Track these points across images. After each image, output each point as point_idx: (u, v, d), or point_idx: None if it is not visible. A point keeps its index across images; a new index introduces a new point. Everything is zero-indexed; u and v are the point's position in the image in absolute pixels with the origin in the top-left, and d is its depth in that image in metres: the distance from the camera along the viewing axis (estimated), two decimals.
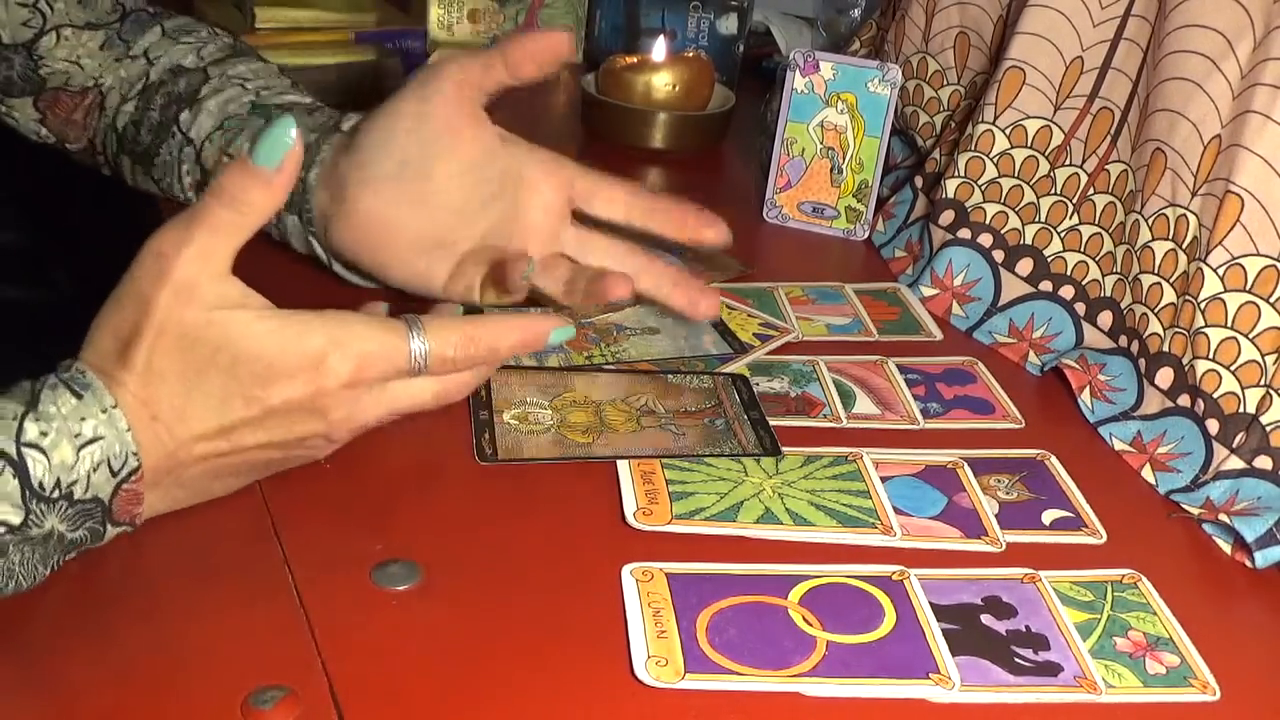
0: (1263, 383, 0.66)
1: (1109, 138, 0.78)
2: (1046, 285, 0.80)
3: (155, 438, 0.52)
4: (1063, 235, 0.80)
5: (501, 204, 0.70)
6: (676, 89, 1.11)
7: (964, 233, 0.85)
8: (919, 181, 0.94)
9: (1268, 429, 0.65)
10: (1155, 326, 0.71)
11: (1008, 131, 0.82)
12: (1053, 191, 0.81)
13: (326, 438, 0.57)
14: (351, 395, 0.55)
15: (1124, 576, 0.59)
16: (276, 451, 0.56)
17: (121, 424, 0.50)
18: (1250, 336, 0.66)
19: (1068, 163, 0.80)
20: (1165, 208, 0.72)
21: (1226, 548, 0.63)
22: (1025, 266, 0.82)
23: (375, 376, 0.55)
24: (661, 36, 1.18)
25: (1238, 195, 0.66)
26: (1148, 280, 0.72)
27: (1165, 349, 0.70)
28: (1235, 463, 0.65)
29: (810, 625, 0.54)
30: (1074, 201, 0.80)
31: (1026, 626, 0.55)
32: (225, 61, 0.80)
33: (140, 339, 0.51)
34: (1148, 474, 0.69)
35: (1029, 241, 0.82)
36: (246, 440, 0.54)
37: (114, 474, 0.50)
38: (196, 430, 0.52)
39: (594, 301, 0.68)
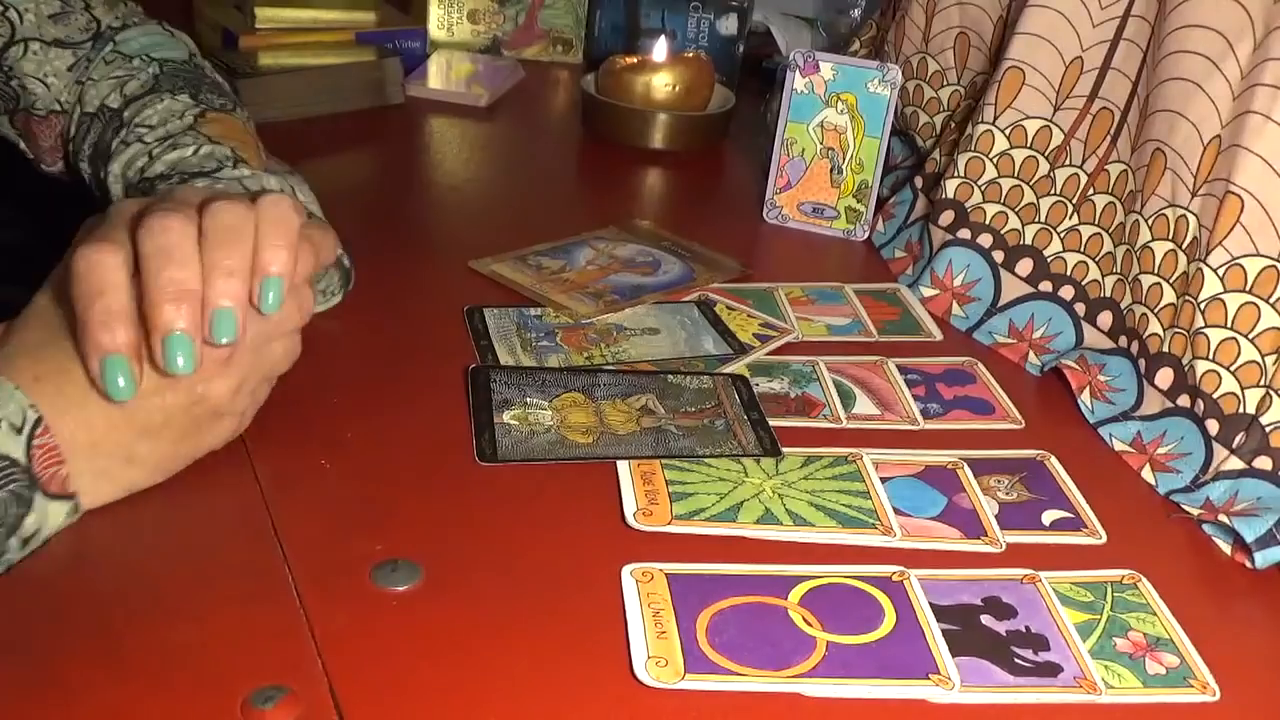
0: (1262, 383, 0.66)
1: (1109, 138, 0.78)
2: (1046, 285, 0.80)
3: (48, 397, 0.52)
4: (1063, 235, 0.80)
5: None
6: (676, 89, 1.11)
7: (964, 233, 0.85)
8: (919, 182, 0.94)
9: (1267, 429, 0.65)
10: (1155, 327, 0.71)
11: (1008, 132, 0.83)
12: (1052, 192, 0.81)
13: (220, 365, 0.56)
14: None
15: (1124, 577, 0.59)
16: (174, 390, 0.55)
17: (8, 386, 0.51)
18: (1250, 337, 0.66)
19: (1067, 163, 0.80)
20: (1165, 208, 0.72)
21: (1226, 548, 0.63)
22: (1025, 267, 0.82)
23: None
24: (662, 36, 1.18)
25: (1238, 195, 0.66)
26: (1148, 280, 0.72)
27: (1165, 349, 0.70)
28: (1235, 463, 0.65)
29: (810, 625, 0.54)
30: (1074, 202, 0.80)
31: (1026, 627, 0.55)
32: (140, 102, 0.76)
33: (27, 316, 0.55)
34: (1148, 474, 0.69)
35: (1029, 242, 0.82)
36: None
37: (18, 430, 0.51)
38: (84, 382, 0.53)
39: None
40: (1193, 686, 0.53)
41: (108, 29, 0.81)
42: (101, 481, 0.55)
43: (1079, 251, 0.79)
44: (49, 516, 0.52)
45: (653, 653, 0.51)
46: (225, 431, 0.59)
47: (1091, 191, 0.79)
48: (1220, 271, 0.67)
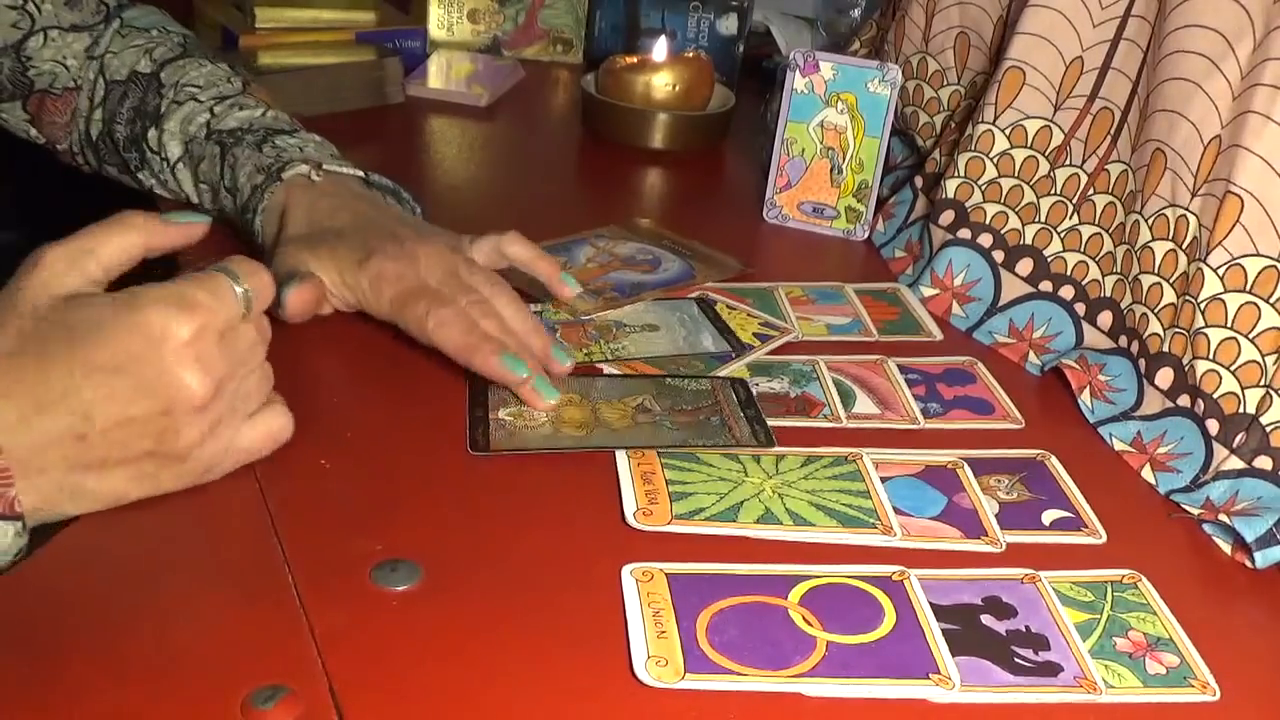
0: (1263, 383, 0.66)
1: (1109, 138, 0.78)
2: (1046, 285, 0.80)
3: (8, 420, 0.51)
4: (1063, 235, 0.80)
5: None
6: (676, 89, 1.11)
7: (964, 233, 0.85)
8: (919, 181, 0.94)
9: (1268, 429, 0.65)
10: (1155, 327, 0.71)
11: (1008, 132, 0.82)
12: (1053, 191, 0.81)
13: (188, 407, 0.54)
14: (193, 351, 0.54)
15: (1124, 576, 0.59)
16: (138, 430, 0.53)
17: None
18: (1250, 337, 0.66)
19: (1068, 163, 0.80)
20: (1165, 208, 0.72)
21: (1226, 548, 0.63)
22: (1025, 266, 0.82)
23: (211, 324, 0.54)
24: (662, 36, 1.18)
25: (1238, 195, 0.66)
26: (1148, 280, 0.72)
27: (1165, 349, 0.70)
28: (1235, 463, 0.65)
29: (810, 625, 0.54)
30: (1074, 202, 0.80)
31: (1026, 626, 0.55)
32: (175, 65, 0.83)
33: (5, 320, 0.52)
34: (1148, 474, 0.69)
35: (1029, 241, 0.82)
36: (100, 415, 0.52)
37: None
38: (46, 408, 0.51)
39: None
40: (1193, 686, 0.53)
41: (114, 7, 0.85)
42: (44, 505, 0.53)
43: (1079, 251, 0.79)
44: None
45: (653, 652, 0.51)
46: (186, 478, 0.57)
47: (1092, 191, 0.79)
48: (1220, 271, 0.67)
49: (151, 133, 0.81)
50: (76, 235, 0.55)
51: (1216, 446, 0.66)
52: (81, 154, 0.87)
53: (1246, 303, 0.66)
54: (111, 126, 0.83)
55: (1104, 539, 0.62)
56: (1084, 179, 0.79)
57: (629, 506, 0.60)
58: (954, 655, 0.53)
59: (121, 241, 0.56)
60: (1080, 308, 0.79)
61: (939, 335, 0.83)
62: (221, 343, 0.55)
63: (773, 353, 0.77)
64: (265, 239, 0.75)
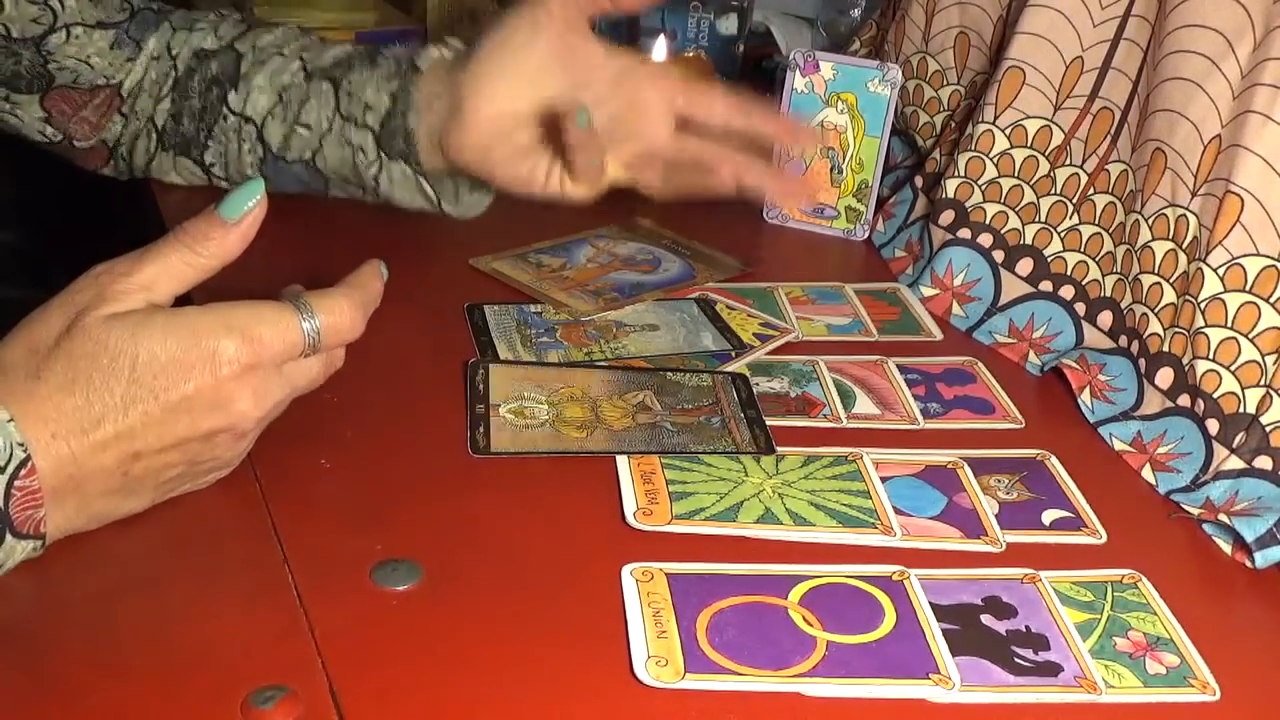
0: (1263, 383, 0.66)
1: (1109, 138, 0.78)
2: (1046, 285, 0.80)
3: (55, 455, 0.50)
4: (1063, 235, 0.80)
5: (608, 109, 0.75)
6: None
7: (964, 233, 0.85)
8: (919, 181, 0.94)
9: (1268, 429, 0.65)
10: (1155, 326, 0.71)
11: (1008, 131, 0.82)
12: (1053, 191, 0.81)
13: (232, 433, 0.55)
14: (251, 382, 0.54)
15: (1124, 576, 0.59)
16: (177, 455, 0.54)
17: (3, 415, 0.49)
18: (1250, 336, 0.66)
19: (1068, 163, 0.80)
20: (1165, 208, 0.72)
21: (1226, 548, 0.63)
22: (1025, 266, 0.82)
23: (272, 359, 0.54)
24: (661, 36, 1.18)
25: (1238, 195, 0.66)
26: (1148, 280, 0.72)
27: (1165, 349, 0.70)
28: (1235, 463, 0.65)
29: (810, 625, 0.54)
30: (1074, 201, 0.80)
31: (1026, 626, 0.55)
32: (246, 36, 0.83)
33: (56, 351, 0.51)
34: (1148, 474, 0.69)
35: (1029, 241, 0.82)
36: (150, 444, 0.52)
37: (1, 469, 0.49)
38: (97, 438, 0.51)
39: (690, 188, 0.78)
40: (1193, 686, 0.53)
41: (143, 7, 0.84)
42: (67, 528, 0.53)
43: (1079, 251, 0.79)
44: (14, 554, 0.51)
45: (653, 652, 0.51)
46: (199, 485, 0.58)
47: (1092, 191, 0.79)
48: (1220, 271, 0.67)
49: (232, 95, 0.80)
50: (140, 259, 0.54)
51: (1216, 446, 0.66)
52: (117, 152, 0.86)
53: (1246, 302, 0.66)
54: (181, 106, 0.82)
55: (1104, 539, 0.62)
56: (1084, 179, 0.79)
57: (629, 506, 0.60)
58: (954, 655, 0.53)
59: (184, 265, 0.54)
60: (1080, 307, 0.79)
61: (939, 335, 0.83)
62: (279, 375, 0.55)
63: (773, 353, 0.77)
64: (420, 141, 0.78)
